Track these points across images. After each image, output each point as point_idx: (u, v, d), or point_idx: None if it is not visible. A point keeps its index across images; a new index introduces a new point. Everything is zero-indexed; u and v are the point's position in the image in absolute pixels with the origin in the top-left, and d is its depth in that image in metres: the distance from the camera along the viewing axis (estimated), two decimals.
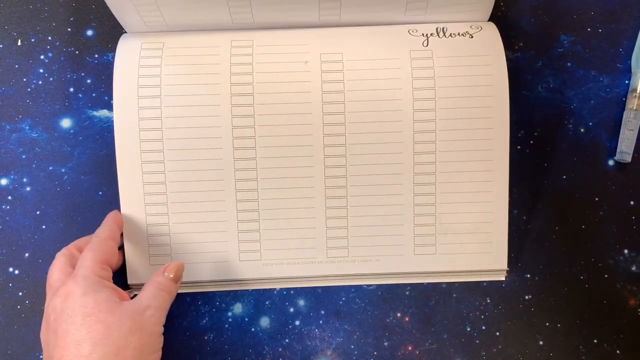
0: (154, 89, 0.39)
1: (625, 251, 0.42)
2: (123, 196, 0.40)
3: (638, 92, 0.42)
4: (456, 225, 0.40)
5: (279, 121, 0.39)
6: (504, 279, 0.41)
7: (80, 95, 0.43)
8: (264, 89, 0.39)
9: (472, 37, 0.40)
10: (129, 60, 0.40)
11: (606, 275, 0.42)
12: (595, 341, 0.42)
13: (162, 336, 0.35)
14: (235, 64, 0.40)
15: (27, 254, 0.41)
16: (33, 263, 0.41)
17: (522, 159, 0.43)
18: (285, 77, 0.40)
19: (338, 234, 0.40)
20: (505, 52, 0.40)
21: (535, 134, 0.43)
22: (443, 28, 0.41)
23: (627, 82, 0.43)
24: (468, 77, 0.39)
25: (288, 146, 0.39)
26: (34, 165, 0.42)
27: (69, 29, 0.43)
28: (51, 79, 0.43)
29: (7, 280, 0.41)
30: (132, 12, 0.40)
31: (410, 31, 0.41)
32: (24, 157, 0.42)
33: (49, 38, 0.43)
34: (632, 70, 0.43)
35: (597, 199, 0.42)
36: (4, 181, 0.42)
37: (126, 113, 0.39)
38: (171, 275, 0.37)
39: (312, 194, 0.40)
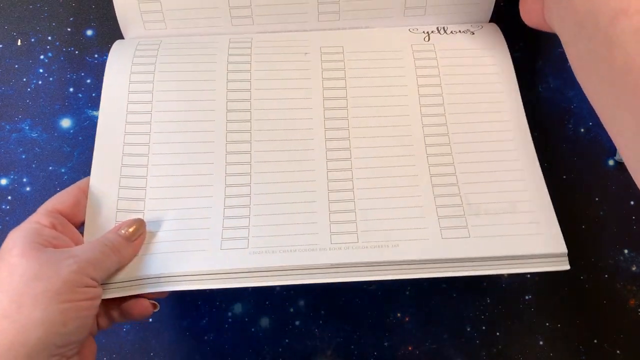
0: (148, 66, 0.39)
1: (625, 251, 0.42)
2: (95, 168, 0.36)
3: None
4: (488, 205, 0.35)
5: (275, 85, 0.39)
6: (568, 267, 0.34)
7: (80, 95, 0.43)
8: (261, 76, 0.39)
9: (473, 34, 0.40)
10: (125, 51, 0.40)
11: (606, 275, 0.42)
12: (595, 341, 0.42)
13: (92, 289, 0.31)
14: (232, 61, 0.40)
15: None
16: None
17: None
18: (284, 67, 0.39)
19: (344, 218, 0.35)
20: None
21: (535, 134, 0.43)
22: (444, 27, 0.41)
23: None
24: (472, 64, 0.40)
25: (286, 109, 0.38)
26: (33, 165, 0.42)
27: (69, 29, 0.43)
28: (51, 79, 0.43)
29: None
30: (136, 19, 0.40)
31: (411, 29, 0.41)
32: (23, 157, 0.42)
33: (49, 38, 0.43)
34: None
35: (597, 199, 0.42)
36: (4, 181, 0.42)
37: (115, 87, 0.38)
38: (127, 232, 0.34)
39: (312, 166, 0.36)
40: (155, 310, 0.35)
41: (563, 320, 0.42)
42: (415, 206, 0.35)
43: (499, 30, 0.41)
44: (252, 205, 0.35)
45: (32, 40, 0.43)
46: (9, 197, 0.42)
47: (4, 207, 0.42)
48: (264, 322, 0.42)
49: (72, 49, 0.43)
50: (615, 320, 0.42)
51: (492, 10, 0.41)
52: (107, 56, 0.43)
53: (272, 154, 0.37)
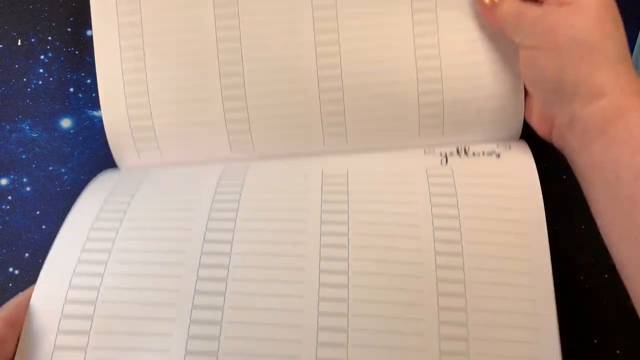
0: (121, 204, 0.34)
1: None
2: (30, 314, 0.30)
3: None
4: None
5: (266, 216, 0.33)
6: None
7: (80, 95, 0.43)
8: (249, 215, 0.32)
9: (499, 157, 0.34)
10: (104, 183, 0.36)
11: (606, 275, 0.42)
12: (595, 341, 0.42)
13: None
14: (222, 184, 0.35)
15: (27, 254, 0.41)
16: (33, 263, 0.41)
17: None
18: (279, 197, 0.33)
19: None
20: None
21: (535, 134, 0.43)
22: (465, 148, 0.35)
23: None
24: (497, 199, 0.32)
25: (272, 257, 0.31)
26: (34, 165, 0.42)
27: (69, 29, 0.43)
28: (51, 79, 0.43)
29: (7, 280, 0.41)
30: (130, 148, 0.38)
31: (426, 151, 0.35)
32: (24, 157, 0.42)
33: (49, 38, 0.43)
34: None
35: None
36: (4, 181, 0.42)
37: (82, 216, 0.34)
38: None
39: (299, 322, 0.29)
40: None
41: (563, 321, 0.42)
42: None
43: (529, 150, 0.35)
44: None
45: (32, 40, 0.43)
46: (9, 197, 0.42)
47: (4, 207, 0.42)
48: None
49: (72, 49, 0.43)
50: (615, 320, 0.42)
51: (521, 127, 0.36)
52: None
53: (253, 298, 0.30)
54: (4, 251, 0.42)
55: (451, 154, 0.34)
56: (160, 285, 0.30)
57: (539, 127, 0.34)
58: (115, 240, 0.32)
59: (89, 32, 0.43)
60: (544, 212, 0.33)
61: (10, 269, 0.41)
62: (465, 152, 0.34)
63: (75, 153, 0.42)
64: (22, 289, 0.41)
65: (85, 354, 0.29)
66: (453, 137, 0.36)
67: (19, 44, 0.43)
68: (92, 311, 0.30)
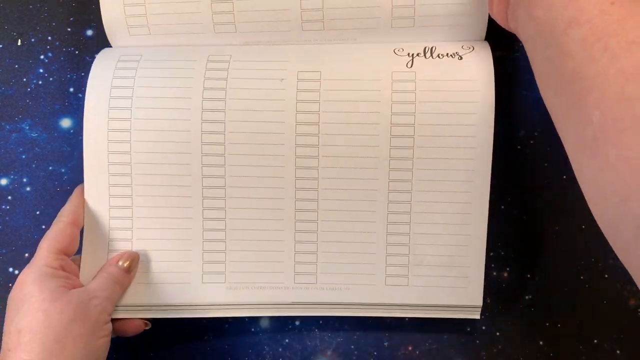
0: (125, 100, 0.39)
1: None
2: (87, 208, 0.39)
3: None
4: (431, 257, 0.39)
5: (249, 140, 0.38)
6: (478, 317, 0.39)
7: (80, 95, 0.43)
8: (236, 106, 0.38)
9: (461, 58, 0.38)
10: (105, 69, 0.39)
11: (606, 275, 0.42)
12: (595, 341, 0.42)
13: (109, 324, 0.36)
14: (209, 78, 0.39)
15: (27, 254, 0.41)
16: None
17: (522, 159, 0.43)
18: (259, 95, 0.38)
19: (306, 259, 0.39)
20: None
21: (536, 133, 0.43)
22: (432, 48, 0.39)
23: None
24: (452, 103, 0.38)
25: (258, 166, 0.38)
26: (34, 165, 0.42)
27: (69, 29, 0.43)
28: (51, 79, 0.43)
29: (7, 280, 0.41)
30: (122, 25, 0.40)
31: (396, 50, 0.39)
32: (24, 157, 0.42)
33: (49, 38, 0.43)
34: None
35: None
36: (4, 181, 0.42)
37: (96, 122, 0.39)
38: (125, 265, 0.37)
39: (281, 215, 0.39)
40: (147, 328, 0.39)
41: (563, 320, 0.42)
42: (368, 253, 0.39)
43: (490, 54, 0.38)
44: (227, 240, 0.39)
45: (32, 40, 0.43)
46: (9, 197, 0.42)
47: (4, 207, 0.42)
48: (264, 322, 0.42)
49: (72, 49, 0.43)
50: (615, 320, 0.42)
51: (485, 28, 0.39)
52: None
53: (244, 190, 0.39)
54: (4, 251, 0.42)
55: (418, 54, 0.39)
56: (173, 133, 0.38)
57: (497, 14, 0.35)
58: (131, 130, 0.38)
59: (89, 32, 0.43)
60: (493, 107, 0.37)
61: (10, 269, 0.41)
62: (432, 54, 0.39)
63: (75, 153, 0.42)
64: None
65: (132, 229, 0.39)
66: (423, 35, 0.39)
67: (19, 44, 0.43)
68: (131, 192, 0.39)
